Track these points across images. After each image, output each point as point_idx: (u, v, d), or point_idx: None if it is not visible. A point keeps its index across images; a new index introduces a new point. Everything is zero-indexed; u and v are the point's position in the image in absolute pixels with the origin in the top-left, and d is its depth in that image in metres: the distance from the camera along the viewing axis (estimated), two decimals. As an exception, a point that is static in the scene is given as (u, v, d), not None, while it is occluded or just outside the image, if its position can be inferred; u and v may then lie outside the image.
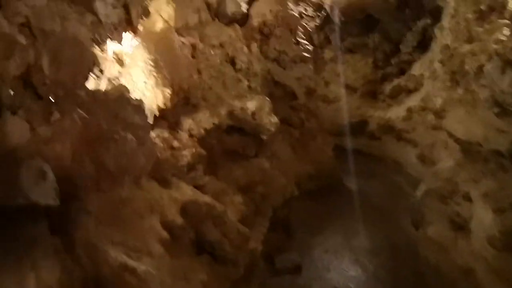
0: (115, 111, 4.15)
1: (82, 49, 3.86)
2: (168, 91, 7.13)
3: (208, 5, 10.83)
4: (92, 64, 3.97)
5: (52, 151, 3.19)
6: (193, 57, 8.41)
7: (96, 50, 7.91)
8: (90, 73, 7.40)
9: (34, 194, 2.84)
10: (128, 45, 7.60)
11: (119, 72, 7.68)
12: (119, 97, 4.47)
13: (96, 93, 4.33)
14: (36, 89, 3.63)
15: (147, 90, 7.07)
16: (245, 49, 9.77)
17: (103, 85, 7.35)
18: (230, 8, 11.72)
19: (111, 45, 7.88)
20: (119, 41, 4.86)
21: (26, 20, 3.54)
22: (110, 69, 7.71)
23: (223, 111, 8.28)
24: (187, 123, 7.80)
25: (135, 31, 4.76)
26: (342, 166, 10.49)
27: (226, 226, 6.22)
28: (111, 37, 4.50)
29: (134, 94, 7.06)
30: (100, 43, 4.46)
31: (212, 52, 8.81)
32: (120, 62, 7.75)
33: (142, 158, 4.10)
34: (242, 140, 8.70)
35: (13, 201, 2.78)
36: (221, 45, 9.48)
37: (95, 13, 4.08)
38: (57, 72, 3.63)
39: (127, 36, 7.73)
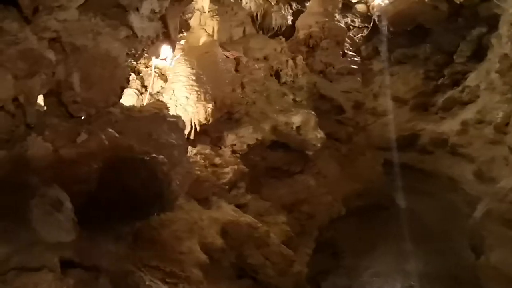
0: (149, 130, 3.88)
1: (115, 65, 3.61)
2: (210, 106, 6.87)
3: (253, 18, 10.60)
4: (125, 81, 3.72)
5: (76, 174, 2.94)
6: (236, 71, 8.13)
7: (140, 65, 7.85)
8: (130, 88, 7.33)
9: (43, 230, 2.57)
10: (171, 60, 7.43)
11: (162, 87, 7.51)
12: (154, 114, 4.20)
13: (130, 110, 4.08)
14: (66, 107, 3.40)
15: (189, 105, 6.82)
16: (290, 62, 9.43)
17: (146, 101, 7.20)
18: (275, 21, 11.46)
19: (155, 60, 7.77)
20: (157, 55, 4.63)
21: (57, 35, 3.31)
22: (154, 84, 7.56)
23: (266, 126, 7.94)
24: (230, 139, 7.50)
25: (173, 45, 4.48)
26: (392, 183, 9.92)
27: (268, 248, 5.86)
28: (147, 51, 4.23)
29: (176, 110, 6.88)
30: (136, 57, 4.21)
31: (256, 66, 8.51)
32: (164, 77, 7.59)
33: (175, 181, 3.80)
34: (286, 156, 8.33)
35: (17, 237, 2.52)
36: (266, 58, 9.19)
37: (129, 27, 3.83)
38: (88, 89, 3.40)
39: (169, 51, 7.58)
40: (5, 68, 2.78)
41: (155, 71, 7.60)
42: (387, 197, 9.50)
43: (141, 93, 7.43)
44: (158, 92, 7.55)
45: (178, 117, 4.68)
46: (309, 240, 7.24)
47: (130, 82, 7.50)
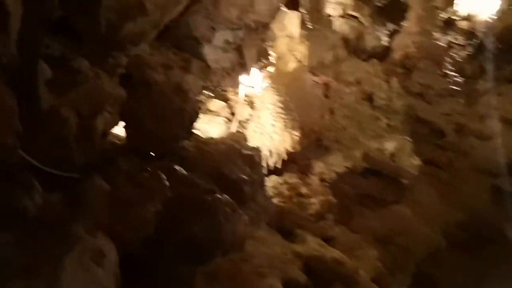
0: (221, 165, 3.70)
1: (185, 99, 3.48)
2: (296, 134, 6.62)
3: (345, 41, 10.22)
4: (195, 115, 3.58)
5: (131, 218, 2.78)
6: (326, 96, 7.80)
7: (230, 93, 7.80)
8: (218, 117, 7.29)
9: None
10: (259, 87, 7.29)
11: (250, 115, 7.39)
12: (230, 148, 4.01)
13: (205, 144, 3.93)
14: (131, 144, 3.31)
15: (275, 133, 6.62)
16: (384, 84, 8.89)
17: (234, 128, 7.10)
18: (369, 42, 10.96)
19: (244, 88, 7.69)
20: (233, 86, 4.46)
21: (127, 71, 3.24)
22: (242, 112, 7.46)
23: (358, 153, 7.50)
24: (318, 166, 7.18)
25: (249, 74, 4.29)
26: (501, 212, 8.88)
27: (358, 287, 5.38)
28: (222, 83, 4.08)
29: (262, 138, 6.70)
30: (212, 89, 4.07)
31: (347, 90, 8.12)
32: (252, 104, 7.47)
33: (242, 221, 3.54)
34: (379, 184, 7.79)
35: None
36: (358, 82, 8.76)
37: (203, 59, 3.69)
38: (156, 125, 3.28)
39: (257, 78, 7.45)
40: (70, 108, 2.72)
41: (243, 99, 7.49)
42: (495, 228, 8.50)
43: (230, 121, 7.34)
44: (246, 119, 7.42)
45: (255, 149, 4.47)
46: (404, 277, 6.64)
47: (219, 110, 7.53)
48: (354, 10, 10.60)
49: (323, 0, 8.85)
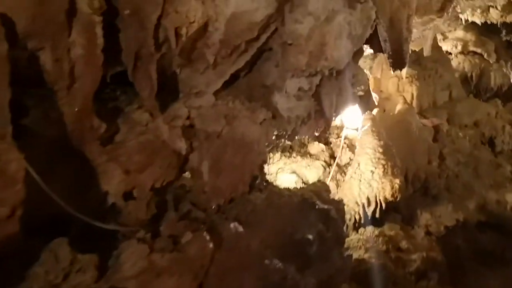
0: (287, 221, 3.38)
1: (248, 151, 3.27)
2: (397, 182, 6.03)
3: (464, 80, 9.39)
4: (258, 168, 3.34)
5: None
6: (435, 140, 7.09)
7: (331, 136, 7.46)
8: (317, 161, 6.97)
9: None
10: (360, 130, 6.88)
11: (351, 159, 6.98)
12: (302, 202, 3.70)
13: (276, 194, 3.66)
14: (194, 198, 3.17)
15: (374, 180, 6.11)
16: (508, 127, 7.89)
17: (332, 173, 6.73)
18: (494, 81, 9.97)
19: (345, 131, 7.32)
20: (310, 135, 4.15)
21: (190, 123, 3.14)
22: (342, 156, 7.08)
23: (471, 205, 6.65)
24: (424, 218, 6.48)
25: (328, 123, 3.97)
26: None
27: None
28: (299, 132, 3.81)
29: (360, 185, 6.24)
30: (288, 138, 3.83)
31: (460, 134, 7.30)
32: (353, 148, 7.06)
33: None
34: (499, 240, 6.77)
35: None
36: (476, 124, 7.90)
37: (274, 108, 3.47)
38: (216, 178, 3.11)
39: (359, 120, 7.04)
40: (117, 163, 2.65)
41: (344, 142, 7.11)
42: None
43: (329, 165, 7.00)
44: (346, 164, 7.02)
45: (336, 202, 4.07)
46: None
47: (318, 153, 7.23)
48: (476, 46, 9.75)
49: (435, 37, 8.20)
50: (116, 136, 2.90)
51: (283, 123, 3.65)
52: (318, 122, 3.92)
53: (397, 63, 3.48)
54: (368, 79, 6.86)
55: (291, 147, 7.47)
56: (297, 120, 3.74)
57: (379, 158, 6.34)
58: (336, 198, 6.36)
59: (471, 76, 9.68)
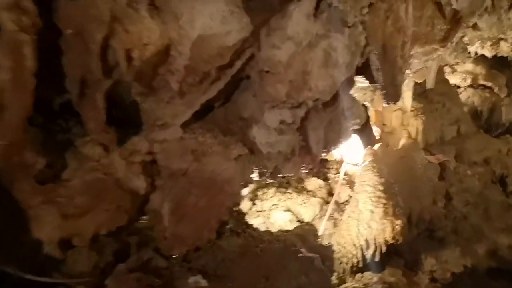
0: (260, 275, 2.94)
1: (218, 193, 2.86)
2: (399, 223, 5.54)
3: (474, 114, 8.95)
4: (227, 211, 2.91)
5: None
6: (441, 179, 6.61)
7: (331, 173, 7.01)
8: (314, 198, 6.51)
9: None
10: (360, 166, 6.44)
11: (349, 196, 6.52)
12: (284, 248, 3.26)
13: (253, 242, 3.23)
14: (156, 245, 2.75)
15: (373, 221, 5.62)
16: (521, 166, 7.39)
17: (329, 212, 6.28)
18: (506, 116, 9.52)
19: (345, 166, 6.89)
20: (295, 173, 3.72)
21: (152, 158, 2.74)
22: (340, 193, 6.63)
23: (481, 249, 6.12)
24: (429, 263, 5.95)
25: (314, 159, 3.55)
26: None
27: None
28: (281, 170, 3.40)
29: (358, 225, 5.76)
30: (269, 176, 3.42)
31: (469, 172, 6.82)
32: (352, 185, 6.61)
33: None
34: (512, 289, 6.22)
35: None
36: (486, 162, 7.41)
37: (252, 143, 3.07)
38: (177, 223, 2.69)
39: (360, 156, 6.60)
40: (54, 206, 2.25)
41: (343, 178, 6.67)
42: None
43: (327, 203, 6.54)
44: (346, 201, 6.56)
45: (324, 249, 3.63)
46: None
47: (316, 189, 6.78)
48: (486, 80, 9.33)
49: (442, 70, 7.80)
50: (64, 173, 2.51)
51: (262, 159, 3.26)
52: (304, 159, 3.51)
53: (390, 95, 3.08)
54: (364, 112, 6.44)
55: (288, 182, 7.03)
56: (278, 157, 3.34)
57: (379, 197, 5.86)
58: (333, 239, 5.93)
59: (481, 110, 9.23)
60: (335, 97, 3.48)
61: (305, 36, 2.75)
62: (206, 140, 2.93)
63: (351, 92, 4.46)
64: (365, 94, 6.20)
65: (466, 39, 7.06)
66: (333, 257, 3.78)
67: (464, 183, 6.71)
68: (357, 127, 4.92)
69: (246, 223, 3.58)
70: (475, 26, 5.58)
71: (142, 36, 2.30)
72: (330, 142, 3.99)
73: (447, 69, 9.60)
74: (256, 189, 6.68)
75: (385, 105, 3.26)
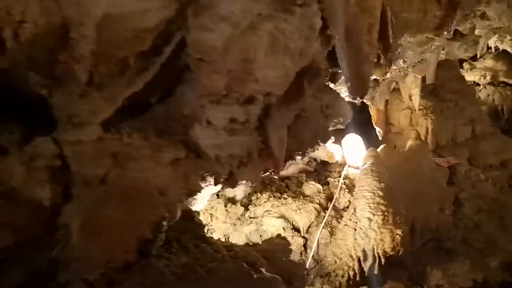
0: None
1: (142, 204, 2.36)
2: (399, 233, 4.97)
3: (494, 114, 8.20)
4: (150, 228, 2.39)
5: None
6: (450, 183, 5.93)
7: (331, 179, 6.41)
8: (311, 203, 5.93)
9: None
10: (360, 169, 5.85)
11: (350, 202, 5.93)
12: (237, 268, 2.73)
13: (193, 263, 2.71)
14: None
15: (371, 229, 5.07)
16: (544, 169, 6.62)
17: (326, 218, 5.70)
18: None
19: (347, 169, 6.30)
20: (254, 180, 3.17)
21: (62, 163, 2.27)
22: (340, 199, 6.04)
23: (494, 262, 5.44)
24: (435, 277, 5.32)
25: (277, 164, 3.01)
26: None
27: None
28: (236, 176, 2.87)
29: (355, 234, 5.18)
30: (228, 183, 2.90)
31: (483, 176, 6.11)
32: (352, 190, 6.01)
33: None
34: (530, 306, 5.50)
35: None
36: (503, 165, 6.67)
37: (195, 145, 2.56)
38: (86, 241, 2.20)
39: (361, 158, 6.01)
40: None
41: (343, 182, 6.07)
42: None
43: (325, 209, 5.96)
44: (346, 208, 5.96)
45: (295, 267, 3.07)
46: None
47: (313, 194, 6.20)
48: (508, 77, 8.56)
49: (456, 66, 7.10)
50: None
51: (211, 164, 2.71)
52: (265, 163, 2.96)
53: (355, 89, 2.52)
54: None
55: (287, 185, 6.50)
56: (231, 161, 2.80)
57: (378, 203, 5.28)
58: (329, 249, 5.36)
59: (502, 109, 8.44)
60: (299, 91, 2.90)
61: (244, 17, 2.23)
62: (133, 141, 2.43)
63: (332, 87, 3.88)
64: (363, 91, 5.58)
65: (477, 31, 6.36)
66: (303, 276, 3.20)
67: (476, 188, 6.01)
68: (341, 126, 4.33)
69: (203, 236, 3.04)
70: (483, 16, 4.91)
71: (13, 11, 1.82)
72: (305, 143, 3.41)
73: (465, 66, 8.86)
74: (251, 194, 6.19)
75: (350, 99, 2.68)
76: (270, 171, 3.04)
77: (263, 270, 2.86)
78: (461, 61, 9.00)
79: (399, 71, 4.59)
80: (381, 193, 5.30)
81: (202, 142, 2.68)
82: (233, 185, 3.08)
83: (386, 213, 5.19)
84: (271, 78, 2.51)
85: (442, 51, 6.52)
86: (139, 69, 2.41)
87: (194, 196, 2.83)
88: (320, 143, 3.53)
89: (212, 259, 2.90)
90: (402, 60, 4.19)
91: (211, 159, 2.75)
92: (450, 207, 5.65)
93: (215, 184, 3.07)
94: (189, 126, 2.68)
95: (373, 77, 4.74)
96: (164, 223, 2.39)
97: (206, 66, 2.32)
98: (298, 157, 3.58)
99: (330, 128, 3.84)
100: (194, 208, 4.58)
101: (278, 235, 4.07)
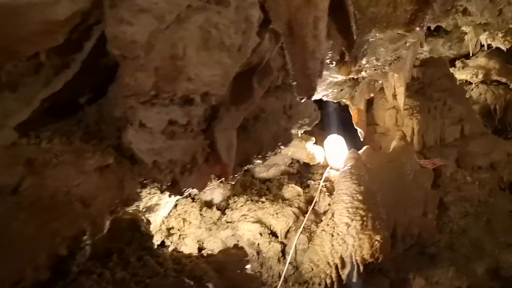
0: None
1: (59, 216, 2.12)
2: (378, 239, 4.71)
3: (487, 113, 7.93)
4: (64, 243, 2.14)
5: None
6: (436, 186, 5.67)
7: (312, 181, 6.15)
8: (289, 207, 5.67)
9: None
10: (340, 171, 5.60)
11: (328, 206, 5.67)
12: (174, 284, 2.48)
13: (129, 279, 2.47)
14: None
15: (349, 235, 4.80)
16: (534, 171, 6.34)
17: (303, 224, 5.44)
18: (524, 115, 8.45)
19: (328, 171, 6.05)
20: (201, 187, 2.92)
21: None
22: (321, 202, 5.79)
23: (480, 268, 5.17)
24: (417, 284, 5.08)
25: (225, 170, 2.76)
26: None
27: None
28: (180, 183, 2.63)
29: (332, 240, 4.92)
30: (166, 189, 2.66)
31: (469, 179, 5.84)
32: (332, 193, 5.76)
33: None
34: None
35: None
36: (492, 166, 6.38)
37: (126, 149, 2.32)
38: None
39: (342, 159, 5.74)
40: None
41: (324, 185, 5.82)
42: None
43: (305, 213, 5.70)
44: (325, 212, 5.71)
45: (248, 281, 2.82)
46: None
47: (293, 197, 5.94)
48: (500, 75, 8.27)
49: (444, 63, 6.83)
50: None
51: (149, 171, 2.46)
52: (213, 168, 2.71)
53: (301, 88, 2.26)
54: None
55: (268, 188, 6.26)
56: (173, 167, 2.55)
57: (357, 208, 5.03)
58: (306, 255, 5.10)
59: (495, 108, 8.16)
60: (248, 91, 2.65)
61: (170, 8, 1.99)
62: (53, 146, 2.19)
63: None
64: (342, 90, 5.35)
65: (465, 28, 6.08)
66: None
67: (463, 191, 5.74)
68: (307, 128, 4.07)
69: (149, 247, 2.80)
70: (465, 11, 4.63)
71: None
72: (265, 146, 3.16)
73: (458, 64, 8.60)
74: (230, 197, 5.95)
75: (298, 99, 2.43)
76: (219, 177, 2.79)
77: (209, 285, 2.61)
78: (454, 59, 8.73)
79: (375, 70, 4.32)
80: (360, 197, 5.05)
81: (136, 147, 2.44)
82: (179, 193, 2.84)
83: (365, 218, 4.93)
84: (207, 76, 2.26)
85: (425, 49, 6.25)
86: (56, 67, 2.17)
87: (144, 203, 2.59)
88: (282, 146, 3.27)
89: (152, 273, 2.66)
90: (374, 57, 3.92)
91: (148, 166, 2.50)
92: (434, 211, 5.38)
93: (161, 192, 2.84)
94: (122, 130, 2.43)
95: (345, 76, 4.50)
96: (85, 237, 2.14)
97: (129, 63, 2.07)
98: (258, 161, 3.34)
99: (296, 130, 3.57)
100: (157, 214, 4.35)
101: (236, 245, 3.81)
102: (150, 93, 2.21)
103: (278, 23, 2.24)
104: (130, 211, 3.35)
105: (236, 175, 3.15)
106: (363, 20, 3.33)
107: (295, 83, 2.32)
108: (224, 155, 2.71)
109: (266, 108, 3.26)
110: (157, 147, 2.49)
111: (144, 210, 4.16)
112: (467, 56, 8.43)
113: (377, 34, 3.51)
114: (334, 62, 3.28)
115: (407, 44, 3.99)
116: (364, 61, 4.08)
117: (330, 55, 3.13)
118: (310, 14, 2.24)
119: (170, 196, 3.20)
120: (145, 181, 2.61)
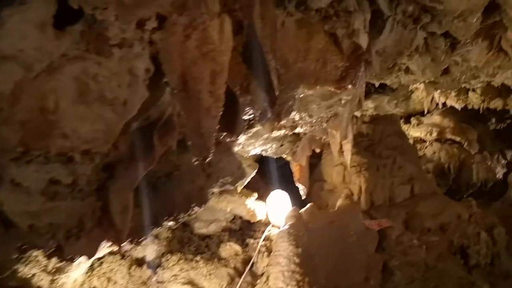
0: None
1: None
2: (313, 307, 4.41)
3: (440, 172, 7.95)
4: None
5: None
6: (381, 249, 5.51)
7: (251, 240, 5.91)
8: (224, 267, 5.40)
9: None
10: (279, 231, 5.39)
11: (267, 267, 5.42)
12: None
13: None
14: None
15: (284, 302, 4.50)
16: (484, 235, 6.28)
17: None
18: (477, 174, 8.52)
19: (268, 229, 5.84)
20: (90, 254, 2.66)
21: None
22: (259, 263, 5.53)
23: None
24: None
25: (119, 237, 2.52)
26: None
27: None
28: (65, 249, 2.37)
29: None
30: (50, 254, 2.40)
31: (416, 242, 5.71)
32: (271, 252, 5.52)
33: None
34: None
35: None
36: (442, 229, 6.29)
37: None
38: None
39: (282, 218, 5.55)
40: None
41: (264, 244, 5.59)
42: None
43: (241, 275, 5.43)
44: (263, 274, 5.44)
45: None
46: None
47: (230, 257, 5.67)
48: (454, 134, 8.38)
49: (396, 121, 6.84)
50: None
51: (26, 236, 2.21)
52: (106, 233, 2.47)
53: (196, 148, 2.08)
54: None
55: (207, 245, 5.99)
56: (55, 232, 2.30)
57: (293, 271, 4.80)
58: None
59: (449, 167, 8.20)
60: (148, 147, 2.46)
61: (39, 57, 1.79)
62: None
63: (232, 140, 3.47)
64: (282, 145, 5.23)
65: (415, 86, 6.13)
66: None
67: (408, 255, 5.58)
68: (230, 187, 3.88)
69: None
70: (407, 70, 4.64)
71: None
72: (178, 207, 2.94)
73: (413, 121, 8.69)
74: (164, 254, 5.65)
75: (194, 160, 2.27)
76: (113, 242, 2.55)
77: None
78: (410, 116, 8.83)
79: (311, 126, 4.22)
80: (297, 260, 4.83)
81: (8, 209, 2.19)
82: (69, 259, 2.56)
83: (301, 283, 4.70)
84: (87, 132, 2.06)
85: (370, 106, 6.25)
86: None
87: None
88: (196, 207, 3.06)
89: None
90: (307, 114, 3.81)
91: (22, 230, 2.24)
92: (378, 276, 5.18)
93: (49, 257, 2.57)
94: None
95: (283, 131, 4.38)
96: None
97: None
98: (169, 223, 3.10)
99: (216, 189, 3.38)
100: (68, 276, 4.02)
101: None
102: (17, 150, 1.99)
103: (171, 76, 2.08)
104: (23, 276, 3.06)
105: (139, 239, 2.90)
106: (288, 75, 3.23)
107: (189, 143, 2.14)
108: (117, 219, 2.48)
109: (182, 165, 3.06)
110: (34, 209, 2.25)
111: (53, 271, 3.85)
112: (422, 113, 8.53)
113: (305, 90, 3.42)
114: (256, 119, 3.14)
115: (342, 102, 3.91)
116: (297, 117, 3.97)
117: (248, 110, 2.99)
118: (207, 68, 2.10)
119: (62, 262, 2.92)
120: (23, 247, 2.35)
